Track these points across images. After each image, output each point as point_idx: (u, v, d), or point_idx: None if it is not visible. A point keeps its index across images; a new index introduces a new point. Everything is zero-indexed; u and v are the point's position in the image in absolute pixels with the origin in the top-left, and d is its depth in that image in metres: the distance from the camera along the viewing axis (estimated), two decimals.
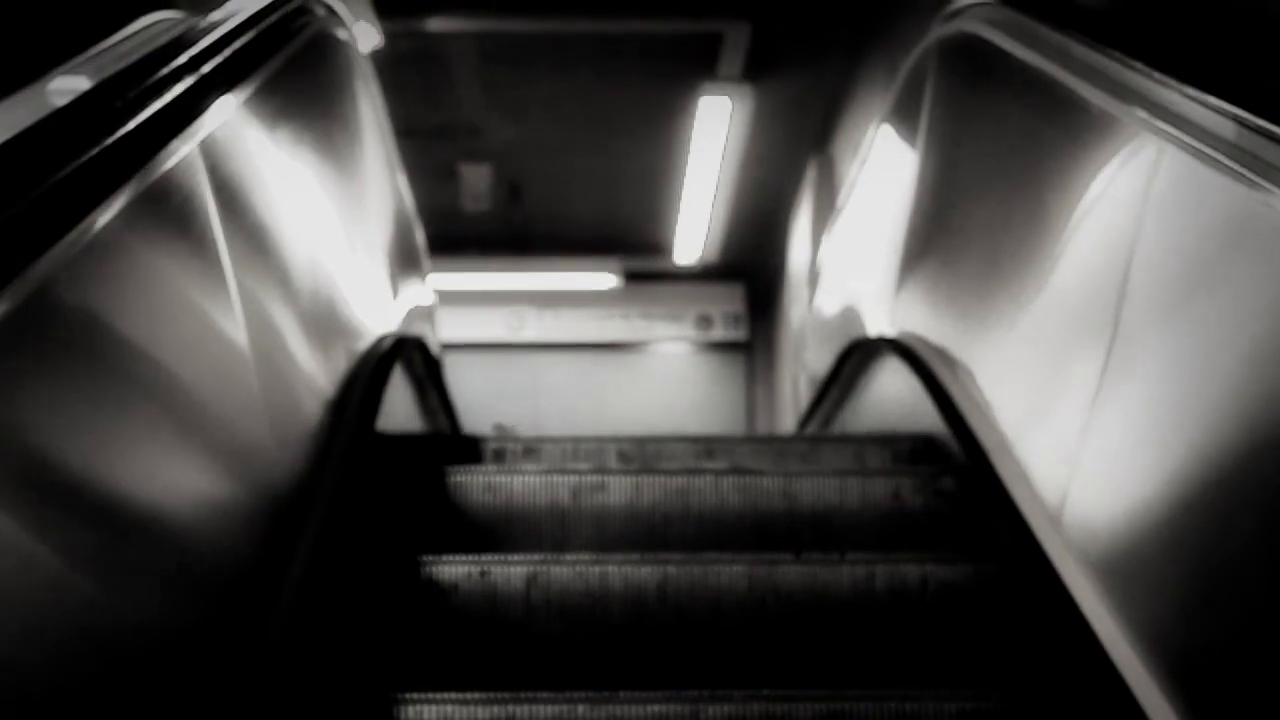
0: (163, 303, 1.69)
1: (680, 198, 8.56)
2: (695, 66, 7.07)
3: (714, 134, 7.55)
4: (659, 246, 9.47)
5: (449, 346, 10.15)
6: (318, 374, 2.64)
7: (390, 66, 6.93)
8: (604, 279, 9.50)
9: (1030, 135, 2.62)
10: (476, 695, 2.07)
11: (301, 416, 2.44)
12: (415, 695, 2.06)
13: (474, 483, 2.92)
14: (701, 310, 10.06)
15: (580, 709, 2.05)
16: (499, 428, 8.06)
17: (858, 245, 4.52)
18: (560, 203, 8.99)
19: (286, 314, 2.39)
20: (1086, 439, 2.02)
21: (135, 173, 1.62)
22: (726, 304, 10.08)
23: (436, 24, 6.54)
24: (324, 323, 2.78)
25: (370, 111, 3.76)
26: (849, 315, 4.39)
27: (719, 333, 10.06)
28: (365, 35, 6.44)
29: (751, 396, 10.01)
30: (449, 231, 9.10)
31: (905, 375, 3.30)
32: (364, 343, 3.21)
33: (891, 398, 3.54)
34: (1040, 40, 2.52)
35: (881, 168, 4.13)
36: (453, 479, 2.91)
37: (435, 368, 4.49)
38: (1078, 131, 2.25)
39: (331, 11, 3.42)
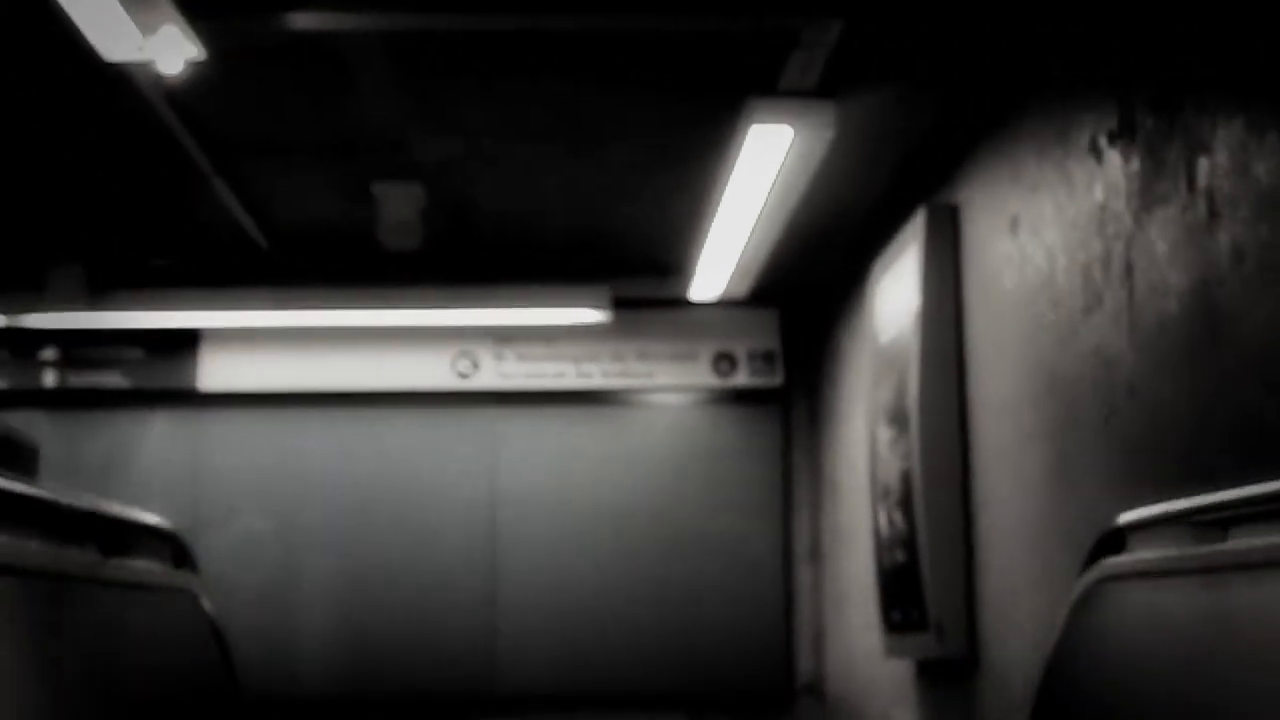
0: None
1: (700, 211, 5.86)
2: (742, 73, 4.40)
3: (766, 158, 4.87)
4: (663, 267, 6.79)
5: (372, 396, 7.51)
6: None
7: (266, 68, 4.30)
8: (586, 313, 6.82)
9: None
10: None
11: None
12: None
13: None
14: (720, 347, 7.30)
15: None
16: None
17: None
18: (523, 222, 6.29)
19: None
20: None
21: None
22: (755, 338, 7.31)
23: (305, 20, 3.81)
24: None
25: None
26: None
27: (744, 378, 7.30)
28: (174, 46, 3.80)
29: (788, 465, 7.35)
30: (369, 259, 6.43)
31: None
32: None
33: None
34: None
35: None
36: None
37: None
38: None
39: None
